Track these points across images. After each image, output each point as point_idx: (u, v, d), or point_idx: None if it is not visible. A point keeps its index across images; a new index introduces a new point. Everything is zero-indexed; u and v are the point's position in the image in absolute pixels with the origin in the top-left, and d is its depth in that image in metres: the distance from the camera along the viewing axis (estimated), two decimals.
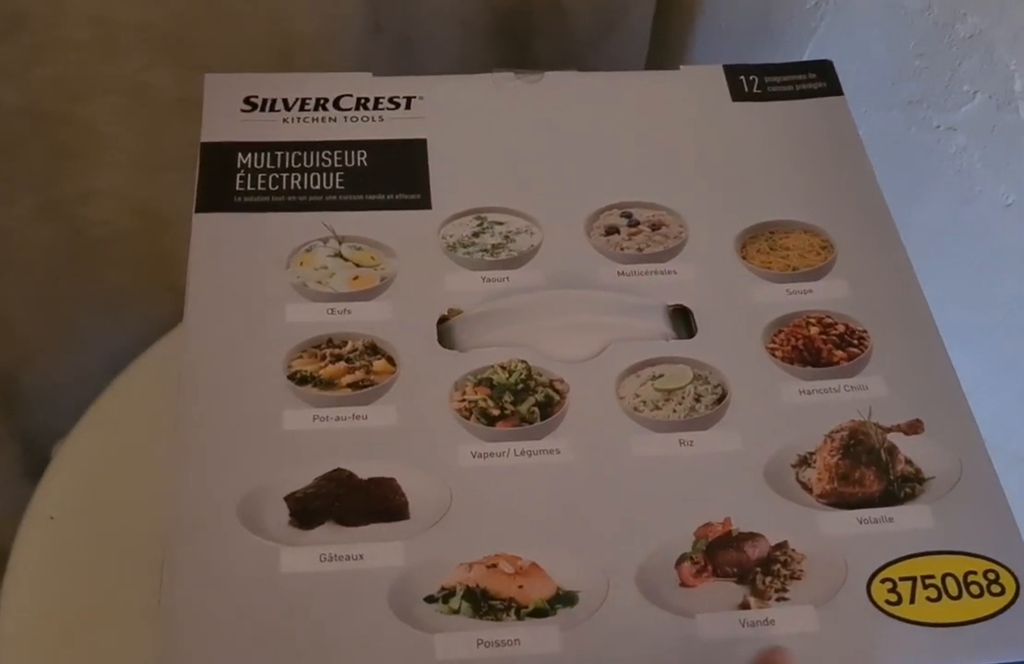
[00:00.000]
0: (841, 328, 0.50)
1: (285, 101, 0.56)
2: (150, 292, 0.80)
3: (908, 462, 0.46)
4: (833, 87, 0.59)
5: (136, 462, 0.59)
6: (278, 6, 0.71)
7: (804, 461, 0.46)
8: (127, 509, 0.60)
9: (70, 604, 0.57)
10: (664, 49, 0.86)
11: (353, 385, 0.47)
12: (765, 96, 0.59)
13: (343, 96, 0.56)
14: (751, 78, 0.59)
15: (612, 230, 0.53)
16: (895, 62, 0.70)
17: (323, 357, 0.48)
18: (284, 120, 0.55)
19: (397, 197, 0.53)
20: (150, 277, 0.80)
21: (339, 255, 0.51)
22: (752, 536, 0.44)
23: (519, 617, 0.41)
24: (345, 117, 0.55)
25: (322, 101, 0.56)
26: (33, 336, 0.81)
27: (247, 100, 0.55)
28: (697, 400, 0.47)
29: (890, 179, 0.73)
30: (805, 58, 0.76)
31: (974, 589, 0.43)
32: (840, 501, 0.45)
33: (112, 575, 0.58)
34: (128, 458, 0.64)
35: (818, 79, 0.60)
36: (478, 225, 0.52)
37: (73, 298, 0.82)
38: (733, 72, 0.59)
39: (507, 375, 0.47)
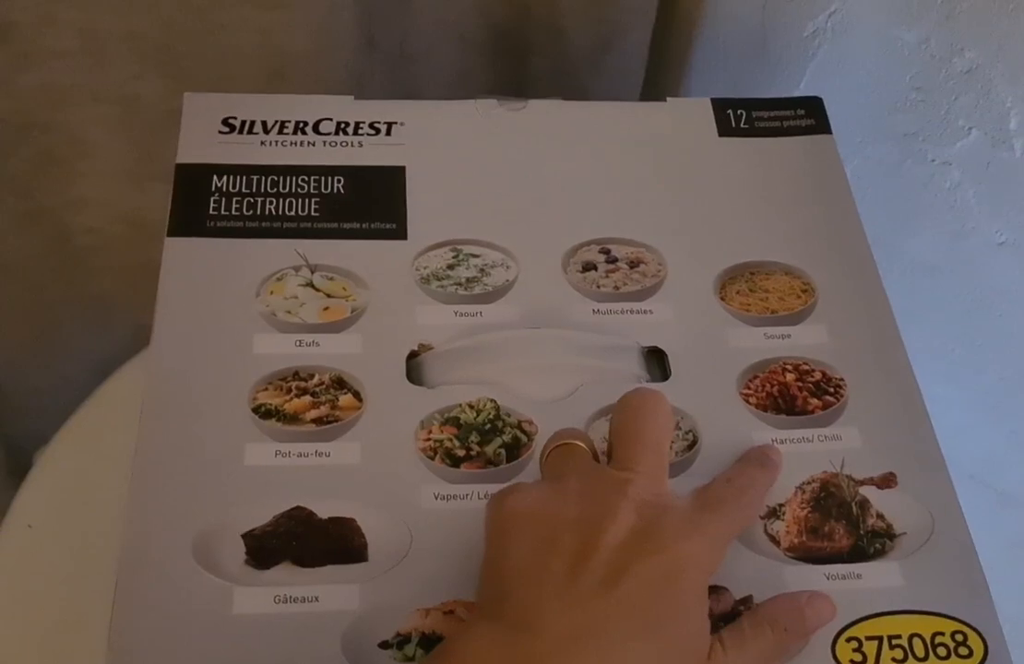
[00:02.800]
0: (818, 375, 0.49)
1: (264, 123, 0.55)
2: (136, 301, 0.79)
3: (879, 517, 0.45)
4: (822, 125, 0.58)
5: (117, 472, 0.58)
6: (269, 20, 0.70)
7: (773, 513, 0.45)
8: (106, 519, 0.60)
9: (44, 614, 0.57)
10: (662, 70, 0.85)
11: (317, 420, 0.46)
12: (752, 132, 0.58)
13: (323, 120, 0.55)
14: (739, 112, 0.58)
15: (589, 266, 0.52)
16: (891, 94, 0.69)
17: (289, 390, 0.47)
18: (262, 143, 0.54)
19: (372, 226, 0.52)
20: (136, 286, 0.80)
21: (310, 285, 0.50)
22: (716, 589, 0.43)
23: None
24: (324, 141, 0.55)
25: (301, 124, 0.55)
26: (18, 342, 0.80)
27: (225, 121, 0.55)
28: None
29: (884, 211, 0.72)
30: (802, 85, 0.75)
31: (941, 650, 0.42)
32: (808, 555, 0.44)
33: (88, 585, 0.57)
34: (109, 468, 0.63)
35: (807, 116, 0.59)
36: (453, 257, 0.52)
37: (59, 305, 0.82)
38: (721, 106, 0.58)
39: (475, 414, 0.47)
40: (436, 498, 0.44)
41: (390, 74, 0.79)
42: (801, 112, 0.59)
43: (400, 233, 0.52)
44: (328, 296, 0.50)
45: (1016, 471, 0.76)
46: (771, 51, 0.75)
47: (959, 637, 0.42)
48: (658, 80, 0.85)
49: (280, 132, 0.55)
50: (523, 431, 0.46)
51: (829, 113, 0.61)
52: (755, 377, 0.49)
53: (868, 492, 0.46)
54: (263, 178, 0.53)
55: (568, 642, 0.36)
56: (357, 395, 0.47)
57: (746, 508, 0.43)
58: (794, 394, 0.48)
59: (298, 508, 0.44)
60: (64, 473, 0.64)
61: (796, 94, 0.75)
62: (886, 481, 0.46)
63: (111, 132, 0.74)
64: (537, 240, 0.52)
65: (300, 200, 0.53)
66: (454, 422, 0.46)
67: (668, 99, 0.58)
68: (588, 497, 0.39)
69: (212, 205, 0.52)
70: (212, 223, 0.51)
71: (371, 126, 0.55)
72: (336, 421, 0.46)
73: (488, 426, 0.46)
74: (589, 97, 0.83)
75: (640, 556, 0.38)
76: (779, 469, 0.46)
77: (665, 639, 0.37)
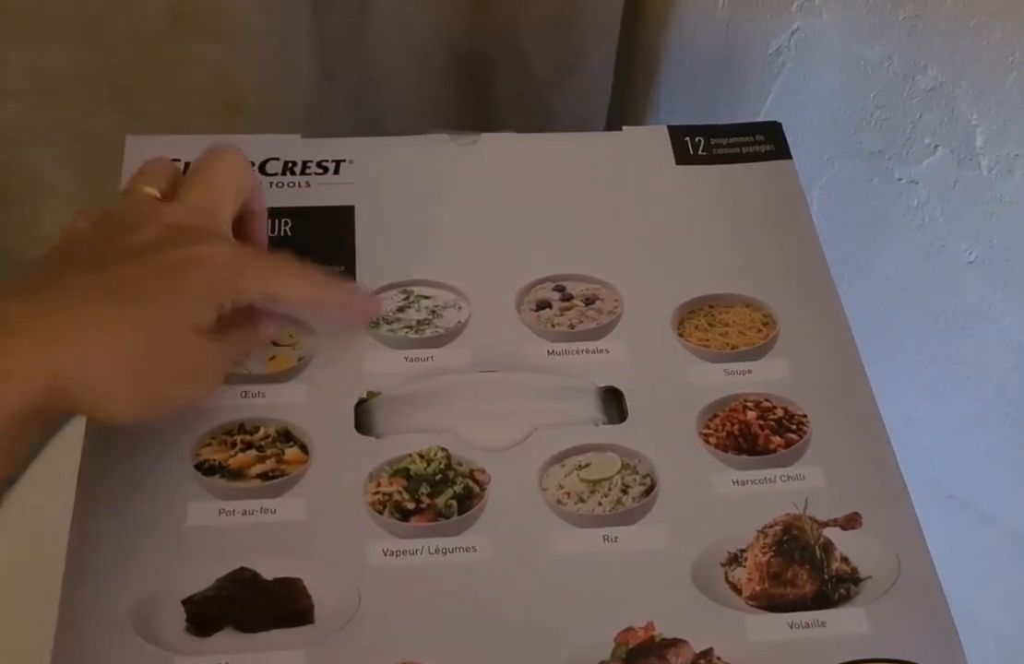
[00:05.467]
0: (780, 412, 0.48)
1: None
2: None
3: (844, 560, 0.44)
4: (781, 150, 0.57)
5: None
6: (222, 54, 0.69)
7: (734, 559, 0.44)
8: None
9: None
10: (628, 92, 0.84)
11: (263, 475, 0.45)
12: (711, 159, 0.56)
13: (270, 160, 0.54)
14: (696, 139, 0.57)
15: (544, 305, 0.50)
16: (856, 112, 0.68)
17: (233, 444, 0.45)
18: None
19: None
20: None
21: None
22: (675, 642, 0.41)
23: None
24: (271, 182, 0.53)
25: None
26: None
27: None
28: (624, 492, 0.45)
29: (854, 230, 0.71)
30: (768, 103, 0.74)
31: None
32: (770, 603, 0.43)
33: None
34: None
35: (766, 142, 0.57)
36: (403, 299, 0.50)
37: None
38: (678, 133, 0.57)
39: (425, 465, 0.45)
40: (385, 554, 0.43)
41: (351, 104, 0.78)
42: (760, 138, 0.57)
43: (349, 275, 0.51)
44: (274, 345, 0.48)
45: (995, 489, 0.75)
46: (736, 71, 0.74)
47: None
48: (624, 102, 0.84)
49: None
50: (475, 481, 0.45)
51: (795, 132, 0.60)
52: (715, 416, 0.47)
53: (832, 534, 0.45)
54: None
55: (34, 290, 0.38)
56: (304, 448, 0.45)
57: (291, 277, 0.45)
58: (755, 432, 0.47)
59: (242, 569, 0.42)
60: (30, 517, 0.62)
61: (762, 113, 0.74)
62: (850, 522, 0.45)
63: (67, 171, 0.73)
64: (490, 279, 0.51)
65: None
66: (404, 473, 0.45)
67: (624, 128, 0.57)
68: (124, 220, 0.42)
69: None
70: None
71: (319, 165, 0.54)
72: (282, 476, 0.45)
73: (439, 476, 0.45)
74: (555, 120, 0.82)
75: (147, 253, 0.40)
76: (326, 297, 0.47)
77: (146, 312, 0.39)
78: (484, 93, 0.83)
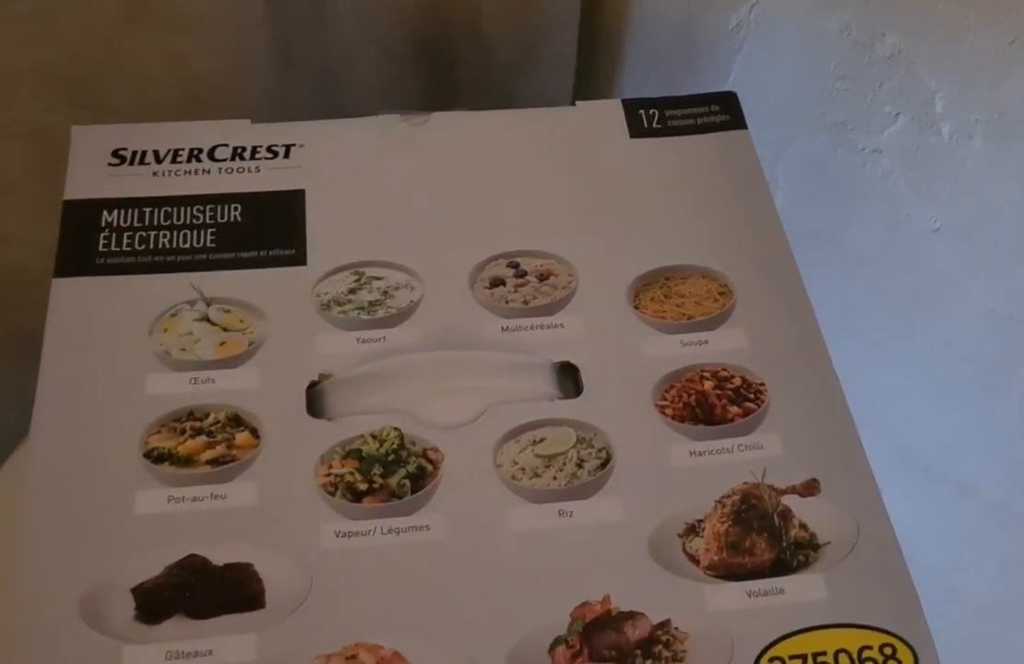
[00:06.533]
0: (737, 382, 0.47)
1: (156, 153, 0.53)
2: None
3: (802, 527, 0.43)
4: (736, 120, 0.56)
5: None
6: (176, 44, 0.69)
7: (692, 530, 0.43)
8: None
9: None
10: (593, 72, 0.83)
11: (213, 461, 0.44)
12: (665, 131, 0.56)
13: (218, 146, 0.53)
14: (651, 112, 0.56)
15: (497, 282, 0.50)
16: (817, 83, 0.67)
17: (183, 431, 0.45)
18: (154, 174, 0.52)
19: (271, 253, 0.50)
20: None
21: (206, 319, 0.48)
22: (632, 615, 0.41)
23: None
24: (220, 168, 0.53)
25: (195, 152, 0.53)
26: None
27: (115, 153, 0.53)
28: (579, 466, 0.45)
29: (820, 203, 0.71)
30: (731, 79, 0.73)
31: None
32: (729, 573, 0.42)
33: None
34: None
35: (721, 112, 0.57)
36: (355, 281, 0.50)
37: None
38: (632, 106, 0.56)
39: (378, 445, 0.45)
40: (337, 536, 0.42)
41: (312, 92, 0.77)
42: (715, 108, 0.57)
43: (299, 259, 0.50)
44: (224, 330, 0.48)
45: (970, 459, 0.75)
46: (698, 46, 0.74)
47: (888, 650, 0.40)
48: (589, 82, 0.84)
49: (173, 161, 0.53)
50: (428, 460, 0.44)
51: (758, 107, 0.60)
52: (671, 387, 0.47)
53: (791, 501, 0.44)
54: (155, 210, 0.51)
55: None
56: (254, 432, 0.45)
57: None
58: (712, 402, 0.46)
59: (192, 556, 0.42)
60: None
61: (727, 88, 0.73)
62: (809, 489, 0.44)
63: (26, 167, 0.72)
64: (443, 258, 0.50)
65: (195, 231, 0.50)
66: (356, 454, 0.44)
67: (578, 103, 0.57)
68: None
69: (102, 242, 0.50)
70: (102, 260, 0.49)
71: (269, 149, 0.53)
72: (232, 461, 0.44)
73: (392, 457, 0.44)
74: (518, 104, 0.81)
75: None
76: None
77: None
78: (446, 79, 0.82)
